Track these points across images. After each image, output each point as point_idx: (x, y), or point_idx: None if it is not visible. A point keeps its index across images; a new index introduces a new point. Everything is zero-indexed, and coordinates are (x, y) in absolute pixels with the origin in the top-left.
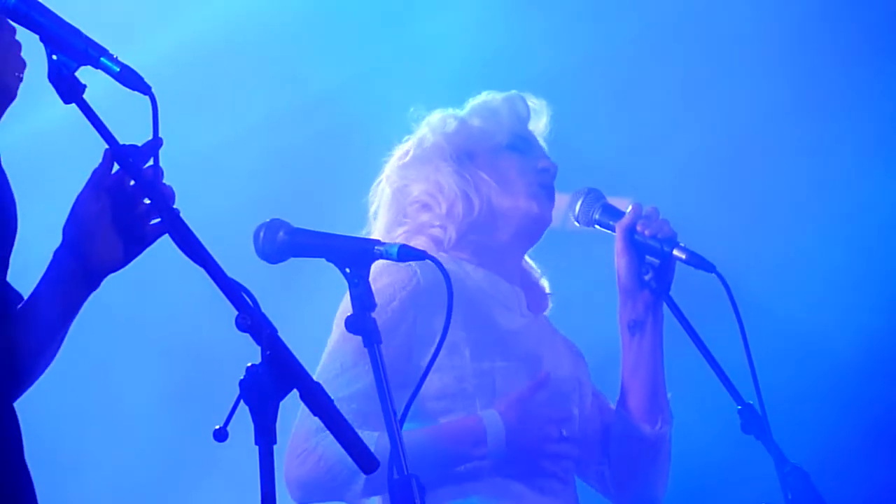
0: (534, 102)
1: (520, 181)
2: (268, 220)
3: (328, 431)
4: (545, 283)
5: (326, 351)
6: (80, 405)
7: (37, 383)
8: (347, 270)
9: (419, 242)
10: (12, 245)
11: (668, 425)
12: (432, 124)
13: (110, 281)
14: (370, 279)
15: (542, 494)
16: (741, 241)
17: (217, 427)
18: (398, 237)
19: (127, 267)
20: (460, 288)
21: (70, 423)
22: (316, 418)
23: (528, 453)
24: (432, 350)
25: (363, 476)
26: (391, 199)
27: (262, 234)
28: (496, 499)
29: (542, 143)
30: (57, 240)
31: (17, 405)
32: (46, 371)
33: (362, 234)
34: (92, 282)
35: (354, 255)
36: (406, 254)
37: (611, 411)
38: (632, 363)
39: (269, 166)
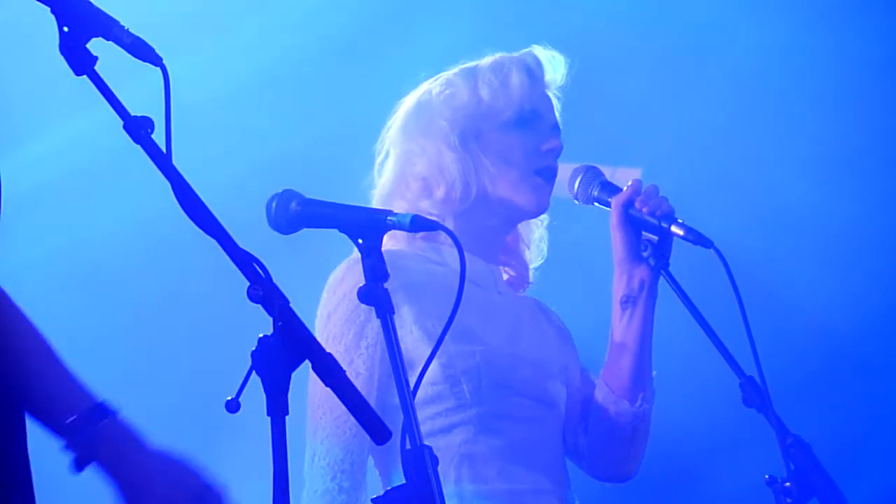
0: (547, 56)
1: (521, 167)
2: (280, 190)
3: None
4: (532, 257)
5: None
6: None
7: None
8: (360, 241)
9: (419, 236)
10: None
11: (649, 403)
12: (441, 90)
13: (110, 280)
14: (331, 281)
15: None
16: (740, 221)
17: (229, 398)
18: (396, 209)
19: (129, 265)
20: (431, 276)
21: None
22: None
23: None
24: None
25: None
26: (395, 165)
27: (274, 204)
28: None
29: (554, 100)
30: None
31: None
32: None
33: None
34: None
35: (367, 226)
36: (418, 224)
37: (592, 385)
38: (619, 338)
39: (283, 137)
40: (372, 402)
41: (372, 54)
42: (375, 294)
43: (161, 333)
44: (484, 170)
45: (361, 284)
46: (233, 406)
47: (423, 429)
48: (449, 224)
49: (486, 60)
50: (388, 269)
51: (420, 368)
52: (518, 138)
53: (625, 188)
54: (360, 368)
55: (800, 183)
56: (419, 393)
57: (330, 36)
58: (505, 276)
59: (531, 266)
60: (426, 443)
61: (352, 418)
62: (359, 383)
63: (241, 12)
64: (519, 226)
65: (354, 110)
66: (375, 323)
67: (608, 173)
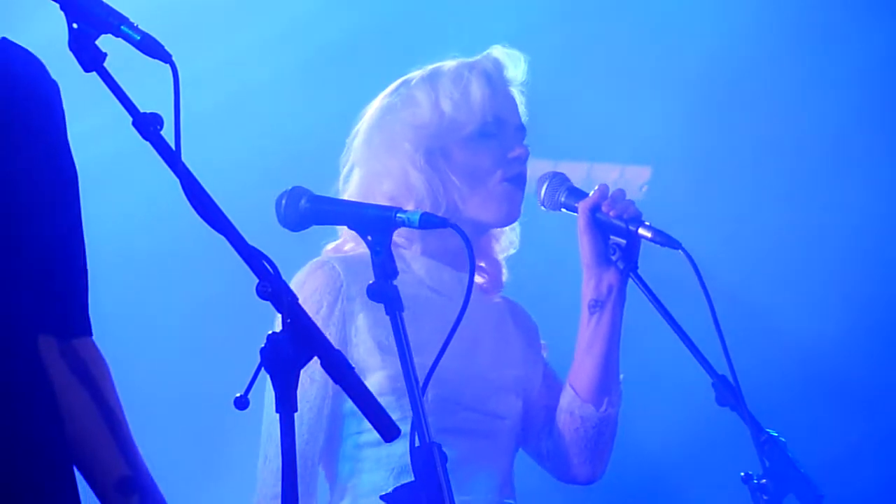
0: (506, 54)
1: (489, 178)
2: (289, 187)
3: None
4: (503, 247)
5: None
6: None
7: None
8: (369, 238)
9: None
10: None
11: (615, 407)
12: (403, 106)
13: (119, 276)
14: (293, 284)
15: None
16: (714, 226)
17: (238, 395)
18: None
19: (128, 266)
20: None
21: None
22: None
23: None
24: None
25: None
26: (361, 182)
27: (284, 201)
28: None
29: (516, 94)
30: None
31: None
32: None
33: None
34: None
35: (376, 223)
36: (428, 222)
37: (558, 388)
38: (586, 342)
39: (293, 134)
40: (326, 411)
41: (381, 52)
42: (385, 291)
43: (170, 330)
44: (452, 186)
45: (370, 281)
46: (241, 403)
47: (367, 438)
48: (417, 240)
49: (447, 68)
50: (351, 277)
51: (371, 378)
52: (483, 150)
53: (591, 193)
54: (315, 375)
55: (767, 185)
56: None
57: (338, 34)
58: (479, 280)
59: (502, 257)
60: (367, 454)
61: (305, 425)
62: (313, 389)
63: (246, 10)
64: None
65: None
66: (333, 330)
67: (618, 172)
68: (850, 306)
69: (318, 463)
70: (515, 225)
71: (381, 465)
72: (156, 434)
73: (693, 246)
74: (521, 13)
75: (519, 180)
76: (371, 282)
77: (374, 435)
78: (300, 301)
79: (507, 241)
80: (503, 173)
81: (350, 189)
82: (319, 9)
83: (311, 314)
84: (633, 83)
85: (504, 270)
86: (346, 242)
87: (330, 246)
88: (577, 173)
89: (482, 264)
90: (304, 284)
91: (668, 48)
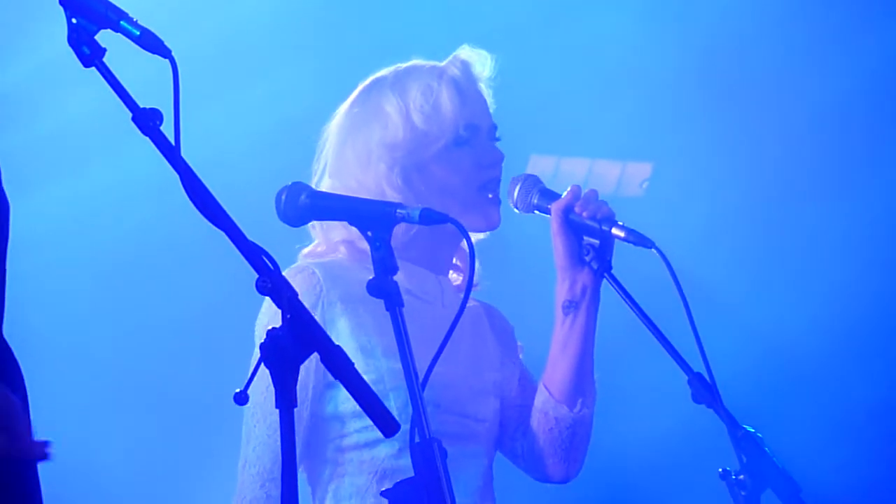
0: (472, 54)
1: (466, 188)
2: (290, 182)
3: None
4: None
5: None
6: (82, 403)
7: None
8: (369, 234)
9: (363, 247)
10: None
11: (589, 408)
12: (374, 121)
13: (118, 272)
14: None
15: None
16: (690, 223)
17: (237, 390)
18: (337, 240)
19: (126, 266)
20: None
21: (72, 422)
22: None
23: None
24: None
25: None
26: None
27: (283, 197)
28: None
29: (486, 92)
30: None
31: None
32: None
33: None
34: None
35: (376, 218)
36: (428, 217)
37: (533, 388)
38: (561, 342)
39: (292, 129)
40: (305, 413)
41: (380, 50)
42: (384, 287)
43: (169, 326)
44: (429, 202)
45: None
46: (241, 398)
47: (349, 442)
48: (398, 246)
49: (415, 76)
50: (330, 282)
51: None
52: (458, 161)
53: (563, 194)
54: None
55: (742, 182)
56: (348, 405)
57: (336, 32)
58: (457, 280)
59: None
60: (349, 457)
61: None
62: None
63: (246, 8)
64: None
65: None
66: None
67: (619, 169)
68: (825, 302)
69: (299, 465)
70: None
71: (363, 468)
72: (151, 431)
73: (667, 244)
74: (513, 8)
75: (494, 184)
76: (361, 284)
77: (356, 438)
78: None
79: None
80: (478, 180)
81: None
82: (317, 4)
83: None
84: (630, 80)
85: (479, 271)
86: (319, 245)
87: (305, 250)
88: (578, 170)
89: (458, 263)
90: (265, 313)
91: (666, 44)
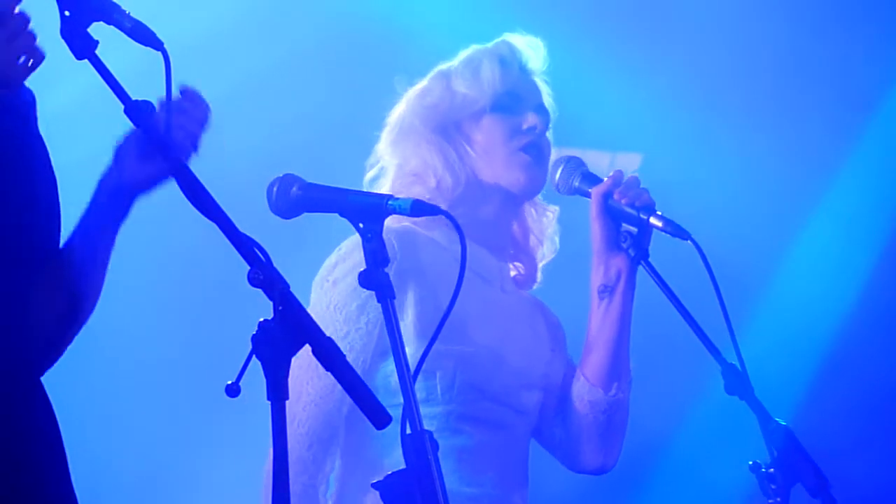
0: (523, 42)
1: (504, 148)
2: (281, 174)
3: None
4: (545, 252)
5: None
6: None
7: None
8: (361, 225)
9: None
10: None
11: (625, 393)
12: (414, 96)
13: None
14: (334, 256)
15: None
16: (726, 217)
17: (229, 382)
18: None
19: (123, 262)
20: (431, 263)
21: (70, 422)
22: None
23: None
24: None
25: None
26: (387, 176)
27: (275, 189)
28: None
29: (538, 82)
30: None
31: None
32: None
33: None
34: (123, 199)
35: (368, 210)
36: (419, 209)
37: (573, 377)
38: (596, 327)
39: (283, 120)
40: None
41: (375, 45)
42: (376, 278)
43: (161, 318)
44: (468, 156)
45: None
46: (233, 390)
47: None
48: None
49: (460, 56)
50: (399, 250)
51: (414, 354)
52: (497, 121)
53: (605, 179)
54: (355, 343)
55: (770, 174)
56: (392, 379)
57: (334, 27)
58: (513, 273)
59: (541, 262)
60: (388, 429)
61: (337, 389)
62: (350, 357)
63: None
64: (529, 219)
65: (358, 97)
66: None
67: (608, 159)
68: (860, 294)
69: (342, 430)
70: (557, 227)
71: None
72: (148, 428)
73: (703, 236)
74: (520, 4)
75: (534, 150)
76: (421, 258)
77: (395, 413)
78: (346, 267)
79: (549, 244)
80: (519, 142)
81: (378, 185)
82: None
83: (356, 282)
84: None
85: (539, 272)
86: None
87: None
88: (600, 162)
89: (522, 258)
90: (353, 252)
91: (665, 40)
